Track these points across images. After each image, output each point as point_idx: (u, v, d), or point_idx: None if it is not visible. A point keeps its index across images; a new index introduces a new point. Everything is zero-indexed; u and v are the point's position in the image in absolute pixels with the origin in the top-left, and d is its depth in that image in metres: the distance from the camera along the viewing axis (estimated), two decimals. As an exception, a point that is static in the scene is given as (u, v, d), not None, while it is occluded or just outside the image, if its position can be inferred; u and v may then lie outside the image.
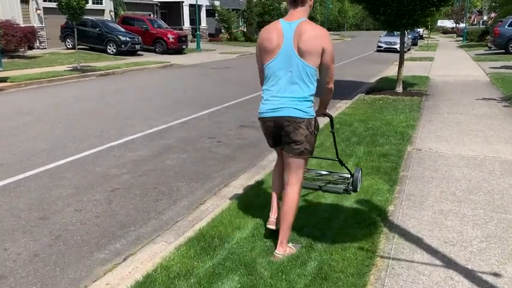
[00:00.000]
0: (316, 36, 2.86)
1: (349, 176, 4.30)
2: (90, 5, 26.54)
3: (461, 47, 32.52)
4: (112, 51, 22.38)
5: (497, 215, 3.74)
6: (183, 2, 36.88)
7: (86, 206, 4.32)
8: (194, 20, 31.05)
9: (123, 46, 22.26)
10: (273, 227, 3.25)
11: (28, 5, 22.95)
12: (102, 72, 16.25)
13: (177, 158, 5.85)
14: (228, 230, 3.40)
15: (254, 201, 4.01)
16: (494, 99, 9.55)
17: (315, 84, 2.96)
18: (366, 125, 7.00)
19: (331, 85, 3.10)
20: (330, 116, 3.78)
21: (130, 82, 14.02)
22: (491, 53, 23.09)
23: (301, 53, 2.83)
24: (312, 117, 2.96)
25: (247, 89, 11.89)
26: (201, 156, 5.95)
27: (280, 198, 3.28)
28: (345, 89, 11.92)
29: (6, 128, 7.39)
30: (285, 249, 3.05)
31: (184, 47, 25.99)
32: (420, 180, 4.59)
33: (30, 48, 21.33)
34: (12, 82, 12.78)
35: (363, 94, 10.63)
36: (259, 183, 4.55)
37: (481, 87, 11.48)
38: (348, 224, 3.52)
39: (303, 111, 2.89)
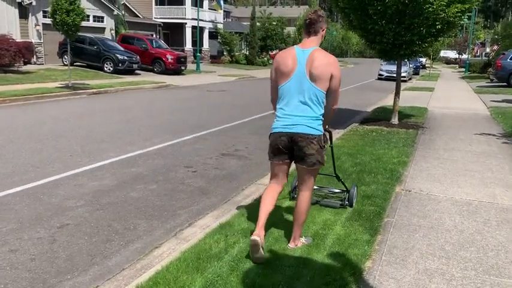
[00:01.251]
0: (327, 63, 3.24)
1: (345, 191, 4.64)
2: (90, 23, 26.54)
3: (463, 78, 32.30)
4: (109, 69, 22.12)
5: (491, 278, 3.21)
6: (185, 23, 36.99)
7: (24, 245, 3.80)
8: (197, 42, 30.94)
9: (120, 65, 22.00)
10: (257, 238, 3.27)
11: (27, 20, 22.84)
12: (94, 90, 15.90)
13: (143, 190, 5.35)
14: (170, 289, 2.88)
15: (212, 249, 3.49)
16: (493, 135, 9.08)
17: (323, 105, 3.34)
18: (354, 159, 6.51)
19: (335, 107, 3.50)
20: (330, 132, 4.03)
21: (120, 102, 13.63)
22: (492, 86, 22.77)
23: (312, 78, 3.21)
24: (321, 133, 3.35)
25: (239, 114, 11.48)
26: (171, 189, 5.45)
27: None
28: (340, 118, 11.46)
29: (-29, 147, 6.93)
30: (296, 243, 3.57)
31: (183, 68, 25.75)
32: (406, 229, 4.07)
33: (26, 63, 21.12)
34: (-3, 98, 12.41)
35: (357, 124, 10.18)
36: (225, 225, 4.03)
37: (480, 122, 11.03)
38: (314, 285, 2.99)
39: (314, 129, 3.27)
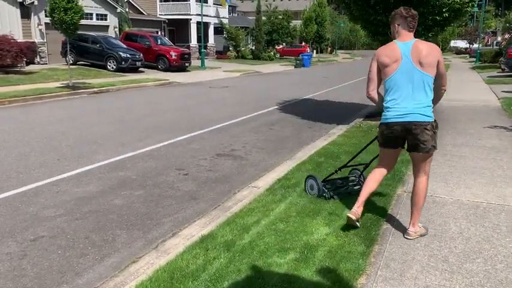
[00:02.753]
0: (433, 51, 3.49)
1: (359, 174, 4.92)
2: (94, 21, 26.37)
3: (473, 68, 31.52)
4: (112, 67, 21.91)
5: (500, 296, 2.86)
6: (190, 19, 36.66)
7: (-9, 262, 3.53)
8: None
9: (123, 63, 21.79)
10: (353, 217, 3.65)
11: (30, 20, 22.71)
12: (95, 89, 15.68)
13: (129, 196, 5.05)
14: (134, 316, 2.58)
15: (189, 266, 3.18)
16: (505, 128, 8.62)
17: (432, 90, 3.54)
18: (355, 159, 6.13)
19: (446, 87, 3.73)
20: None
21: (119, 101, 13.37)
22: (504, 76, 22.08)
23: (422, 66, 3.43)
24: (433, 119, 3.50)
25: (239, 111, 11.15)
26: (158, 194, 5.15)
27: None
28: (344, 112, 11.12)
29: (-43, 153, 6.69)
30: (416, 229, 3.69)
31: (187, 64, 25.48)
32: (406, 238, 3.71)
33: (29, 63, 21.01)
34: (-5, 99, 12.23)
35: (361, 119, 9.79)
36: (207, 237, 3.70)
37: (491, 114, 10.55)
38: (298, 308, 2.66)
39: (427, 116, 3.45)
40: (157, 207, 4.76)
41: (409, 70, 3.44)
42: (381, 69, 3.59)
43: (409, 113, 3.45)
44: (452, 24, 9.65)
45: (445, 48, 40.73)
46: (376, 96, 3.73)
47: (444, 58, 23.91)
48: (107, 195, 5.06)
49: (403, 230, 3.85)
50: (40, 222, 4.28)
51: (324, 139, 7.88)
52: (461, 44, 63.83)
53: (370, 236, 3.68)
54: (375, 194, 4.66)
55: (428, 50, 3.46)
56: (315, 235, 3.68)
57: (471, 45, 54.26)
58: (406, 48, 3.47)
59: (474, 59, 39.48)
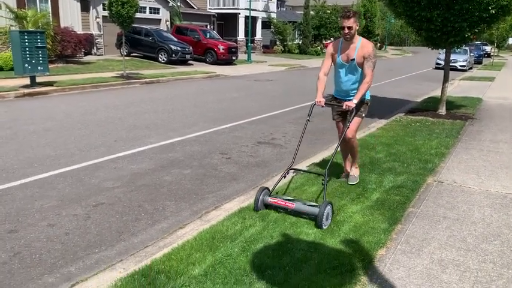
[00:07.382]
0: None
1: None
2: (147, 15, 27.48)
3: (530, 67, 30.19)
4: (163, 59, 22.84)
5: (509, 272, 3.11)
6: (239, 13, 37.24)
7: (62, 220, 4.14)
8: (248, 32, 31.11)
9: (173, 55, 22.65)
10: None
11: (88, 13, 24.07)
12: (147, 80, 16.52)
13: (177, 174, 5.59)
14: (181, 265, 3.05)
15: (228, 231, 3.63)
16: (550, 127, 8.51)
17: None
18: (390, 149, 6.39)
19: None
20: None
21: (169, 91, 14.10)
22: (562, 75, 21.12)
23: None
24: None
25: (281, 104, 11.53)
26: (203, 174, 5.65)
27: None
28: (386, 108, 11.22)
29: (25, 132, 7.49)
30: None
31: (234, 58, 26.06)
32: (428, 220, 3.99)
33: (86, 54, 22.33)
34: (57, 86, 13.27)
35: (402, 114, 9.90)
36: (245, 209, 4.15)
37: (538, 113, 10.35)
38: (320, 268, 3.04)
39: None
40: (202, 184, 5.26)
41: None
42: None
43: None
44: (499, 21, 9.50)
45: (501, 46, 38.96)
46: None
47: (500, 56, 23.61)
48: (158, 172, 5.62)
49: (427, 214, 4.13)
50: (100, 192, 4.88)
51: (363, 131, 8.11)
52: (521, 41, 60.80)
53: (395, 216, 3.99)
54: (406, 181, 4.94)
55: None
56: (343, 213, 4.04)
57: (531, 43, 51.65)
58: None
59: (532, 58, 37.69)
